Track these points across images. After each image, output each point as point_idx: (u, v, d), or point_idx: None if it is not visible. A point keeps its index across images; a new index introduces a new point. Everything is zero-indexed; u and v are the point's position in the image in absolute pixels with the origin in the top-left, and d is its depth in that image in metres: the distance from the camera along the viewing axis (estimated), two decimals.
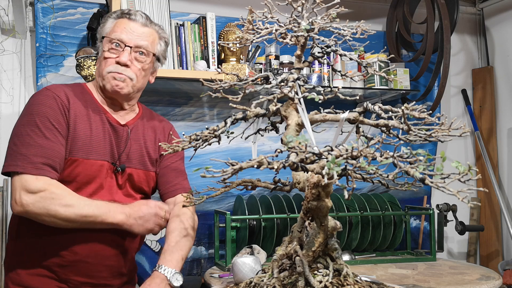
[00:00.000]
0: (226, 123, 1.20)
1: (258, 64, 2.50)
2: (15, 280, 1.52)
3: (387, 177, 1.01)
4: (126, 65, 1.54)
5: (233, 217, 2.22)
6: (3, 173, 1.46)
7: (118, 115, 1.61)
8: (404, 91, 2.69)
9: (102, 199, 1.50)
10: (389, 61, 2.69)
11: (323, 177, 0.87)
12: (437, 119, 1.08)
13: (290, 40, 1.22)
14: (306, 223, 1.14)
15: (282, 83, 1.21)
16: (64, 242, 1.48)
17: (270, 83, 1.24)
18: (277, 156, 0.94)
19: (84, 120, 1.52)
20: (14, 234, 1.56)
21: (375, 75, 2.58)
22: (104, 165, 1.53)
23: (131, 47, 1.55)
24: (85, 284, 1.53)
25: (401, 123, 1.06)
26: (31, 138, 1.42)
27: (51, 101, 1.48)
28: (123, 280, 1.63)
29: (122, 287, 1.63)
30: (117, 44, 1.55)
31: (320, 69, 2.56)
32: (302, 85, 1.21)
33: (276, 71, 2.29)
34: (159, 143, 1.50)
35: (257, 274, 1.23)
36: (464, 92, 3.23)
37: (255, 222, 2.32)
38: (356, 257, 2.37)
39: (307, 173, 1.00)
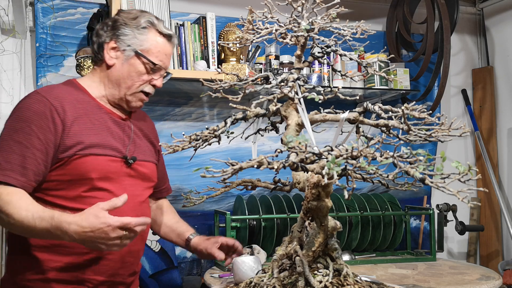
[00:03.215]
0: (226, 123, 1.20)
1: (258, 64, 2.50)
2: (25, 286, 1.46)
3: (387, 177, 1.01)
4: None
5: (233, 217, 2.22)
6: None
7: (118, 111, 1.61)
8: (404, 91, 2.69)
9: (116, 194, 1.47)
10: (389, 61, 2.69)
11: (323, 177, 0.87)
12: (437, 119, 1.08)
13: (290, 40, 1.22)
14: (306, 223, 1.14)
15: (282, 83, 1.21)
16: None
17: (270, 83, 1.24)
18: (277, 156, 0.94)
19: (84, 119, 1.50)
20: (17, 247, 1.51)
21: (375, 75, 2.58)
22: (113, 159, 1.52)
23: (166, 73, 1.62)
24: (104, 283, 1.50)
25: (401, 123, 1.06)
26: (7, 144, 1.40)
27: (38, 106, 1.43)
28: (133, 279, 1.64)
29: (130, 287, 1.64)
30: (154, 69, 1.57)
31: (320, 69, 2.56)
32: (302, 85, 1.21)
33: (276, 71, 2.29)
34: (159, 144, 1.50)
35: (257, 274, 1.23)
36: (464, 92, 3.23)
37: (255, 222, 2.32)
38: (356, 257, 2.37)
39: (307, 173, 1.00)
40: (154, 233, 1.90)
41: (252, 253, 2.09)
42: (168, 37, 1.60)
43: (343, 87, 2.50)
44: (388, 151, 0.96)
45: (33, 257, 1.46)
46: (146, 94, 1.59)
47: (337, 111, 1.21)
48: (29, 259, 1.46)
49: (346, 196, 0.86)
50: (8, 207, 1.31)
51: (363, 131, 1.24)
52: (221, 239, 1.70)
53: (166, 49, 1.59)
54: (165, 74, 1.63)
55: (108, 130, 1.54)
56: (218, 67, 2.22)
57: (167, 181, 1.88)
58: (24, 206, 1.30)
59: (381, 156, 0.94)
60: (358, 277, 1.15)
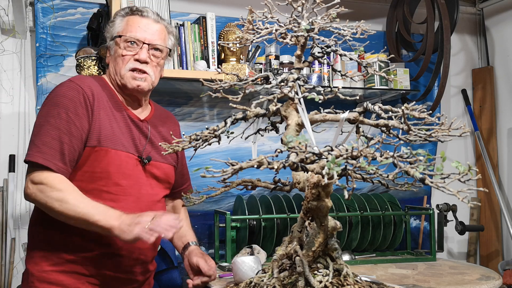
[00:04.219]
0: (226, 123, 1.20)
1: (258, 64, 2.50)
2: (41, 277, 1.49)
3: (387, 177, 1.01)
4: (145, 62, 1.59)
5: (233, 217, 2.22)
6: (25, 162, 1.49)
7: (137, 112, 1.66)
8: (404, 91, 2.69)
9: (131, 191, 1.53)
10: (389, 61, 2.68)
11: (323, 177, 0.87)
12: (437, 119, 1.08)
13: (290, 40, 1.22)
14: (306, 223, 1.14)
15: (282, 83, 1.21)
16: (97, 234, 1.47)
17: (270, 83, 1.24)
18: (277, 156, 0.94)
19: (108, 113, 1.55)
20: (36, 222, 1.56)
21: (375, 75, 2.58)
22: (130, 156, 1.56)
23: (148, 45, 1.59)
24: (116, 279, 1.53)
25: (401, 123, 1.06)
26: (45, 129, 1.44)
27: (72, 93, 1.49)
28: (145, 278, 1.65)
29: (143, 285, 1.65)
30: (133, 42, 1.58)
31: (320, 69, 2.56)
32: (302, 85, 1.21)
33: (276, 71, 2.29)
34: (159, 143, 1.51)
35: (257, 274, 1.23)
36: (464, 92, 3.23)
37: (255, 222, 2.32)
38: (356, 257, 2.37)
39: (307, 173, 1.00)
40: None
41: (252, 253, 2.09)
42: (138, 12, 1.62)
43: (343, 87, 2.50)
44: (388, 151, 0.96)
45: (50, 250, 1.50)
46: (135, 70, 1.58)
47: (337, 111, 1.21)
48: (46, 252, 1.50)
49: (346, 196, 0.86)
50: (64, 194, 1.39)
51: (363, 131, 1.24)
52: (201, 261, 1.65)
53: (138, 23, 1.60)
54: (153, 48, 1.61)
55: (127, 128, 1.58)
56: (218, 67, 2.22)
57: (186, 182, 1.89)
58: (79, 197, 1.40)
59: (381, 156, 0.94)
60: (358, 277, 1.15)
